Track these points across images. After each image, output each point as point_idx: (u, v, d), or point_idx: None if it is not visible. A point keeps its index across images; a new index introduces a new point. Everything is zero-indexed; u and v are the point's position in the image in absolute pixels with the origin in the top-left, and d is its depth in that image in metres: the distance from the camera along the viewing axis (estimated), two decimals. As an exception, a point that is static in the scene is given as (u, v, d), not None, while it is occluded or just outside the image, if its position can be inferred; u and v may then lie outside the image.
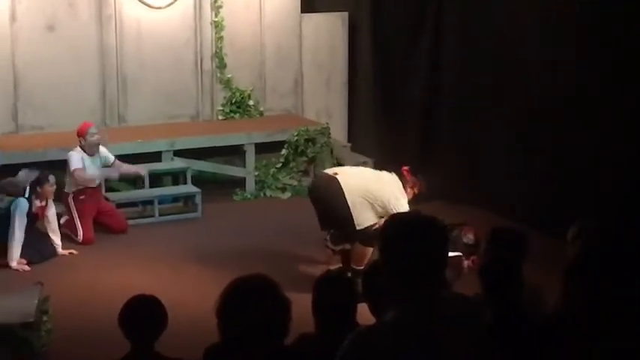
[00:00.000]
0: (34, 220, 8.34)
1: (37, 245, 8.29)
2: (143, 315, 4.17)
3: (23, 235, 8.09)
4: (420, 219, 2.82)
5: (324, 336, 4.12)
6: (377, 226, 7.15)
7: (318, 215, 7.46)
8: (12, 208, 8.11)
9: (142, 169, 9.51)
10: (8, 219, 8.05)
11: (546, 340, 3.27)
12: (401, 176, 7.45)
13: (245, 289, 3.25)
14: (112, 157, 9.22)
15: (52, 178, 8.37)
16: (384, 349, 2.64)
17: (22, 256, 8.10)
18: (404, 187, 7.40)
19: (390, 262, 2.79)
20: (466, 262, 7.44)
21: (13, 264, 8.02)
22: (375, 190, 7.21)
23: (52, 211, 8.50)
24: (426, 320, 2.71)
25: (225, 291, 3.24)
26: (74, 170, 8.79)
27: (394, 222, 2.88)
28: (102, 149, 9.12)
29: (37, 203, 8.30)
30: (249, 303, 3.15)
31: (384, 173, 7.54)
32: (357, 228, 7.14)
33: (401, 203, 7.21)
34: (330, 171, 7.70)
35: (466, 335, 2.76)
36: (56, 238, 8.51)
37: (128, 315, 4.19)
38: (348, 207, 7.10)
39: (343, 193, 7.13)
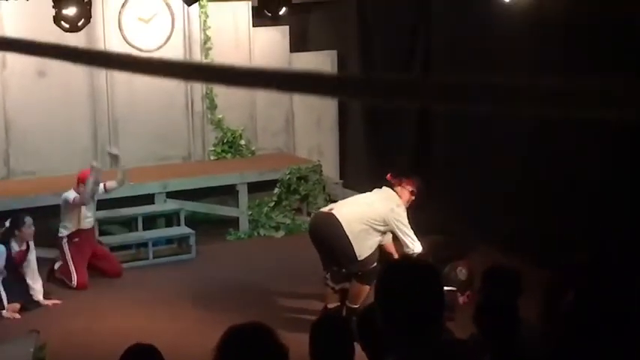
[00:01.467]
0: (15, 265, 8.20)
1: (25, 290, 8.23)
2: None
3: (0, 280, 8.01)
4: (416, 268, 2.84)
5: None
6: (375, 264, 7.17)
7: (320, 254, 7.48)
8: None
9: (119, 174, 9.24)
10: None
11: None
12: (390, 186, 7.50)
13: (240, 339, 3.23)
14: (102, 188, 9.10)
15: (28, 220, 8.25)
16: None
17: (15, 300, 8.04)
18: (397, 194, 7.43)
19: (386, 310, 2.80)
20: (461, 298, 7.44)
21: (4, 312, 7.95)
22: (371, 213, 7.25)
23: (33, 255, 8.35)
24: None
25: (221, 342, 3.23)
26: (74, 200, 8.72)
27: (390, 270, 2.90)
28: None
29: (16, 247, 8.21)
30: (246, 353, 3.14)
31: (375, 191, 7.59)
32: (359, 259, 7.15)
33: (397, 213, 7.27)
34: (325, 209, 7.74)
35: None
36: (37, 285, 8.34)
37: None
38: (349, 239, 7.13)
39: (342, 226, 7.16)
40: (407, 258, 2.60)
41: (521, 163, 9.15)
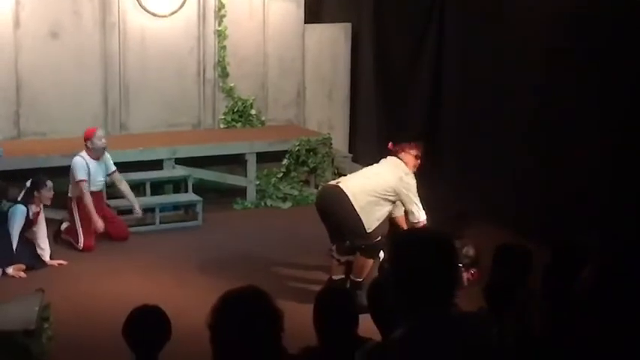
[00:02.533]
0: (30, 226, 8.29)
1: (32, 252, 8.29)
2: (147, 326, 4.16)
3: (17, 241, 8.07)
4: (431, 237, 2.82)
5: (326, 349, 4.13)
6: (380, 238, 7.16)
7: (326, 227, 7.46)
8: (9, 213, 8.09)
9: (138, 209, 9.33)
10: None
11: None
12: (393, 154, 7.49)
13: (235, 303, 3.23)
14: (112, 167, 9.19)
15: (49, 183, 8.29)
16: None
17: (20, 262, 8.09)
18: (403, 161, 7.42)
19: (399, 280, 2.79)
20: (465, 275, 7.45)
21: (9, 270, 8.01)
22: (380, 184, 7.23)
23: (42, 217, 8.41)
24: (436, 338, 2.70)
25: (216, 305, 3.23)
26: (79, 182, 8.78)
27: (405, 239, 2.88)
28: (107, 155, 9.11)
29: (33, 209, 8.25)
30: (240, 316, 3.14)
31: (381, 162, 7.58)
32: (368, 231, 7.14)
33: (406, 182, 7.25)
34: (332, 182, 7.72)
35: (475, 354, 2.76)
36: (45, 245, 8.41)
37: (132, 326, 4.17)
38: (356, 212, 7.11)
39: (349, 199, 7.14)
40: (422, 229, 2.58)
41: (531, 141, 9.12)
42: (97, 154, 8.96)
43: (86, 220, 8.86)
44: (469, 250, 7.65)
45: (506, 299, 3.99)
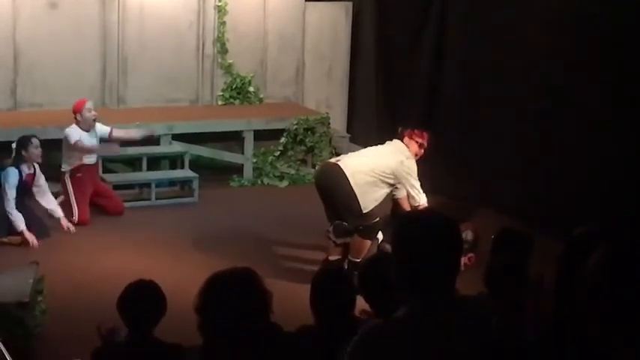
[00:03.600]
0: (25, 189, 8.21)
1: (34, 221, 8.23)
2: (142, 301, 4.14)
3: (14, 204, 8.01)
4: (435, 221, 2.78)
5: (322, 329, 4.12)
6: (378, 219, 7.12)
7: (324, 206, 7.42)
8: (1, 178, 8.02)
9: (137, 132, 9.37)
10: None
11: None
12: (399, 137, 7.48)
13: (220, 284, 3.19)
14: (107, 128, 9.10)
15: (34, 141, 8.19)
16: (396, 345, 2.61)
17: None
18: (406, 145, 7.40)
19: (400, 262, 2.76)
20: (463, 260, 7.41)
21: (27, 235, 7.95)
22: (380, 165, 7.19)
23: (42, 179, 8.36)
24: (436, 321, 2.68)
25: (202, 288, 3.19)
26: (75, 143, 8.71)
27: (408, 221, 2.84)
28: (97, 125, 9.04)
29: (26, 170, 8.17)
30: (226, 297, 3.09)
31: (386, 144, 7.55)
32: (363, 211, 7.10)
33: (407, 166, 7.26)
34: (332, 160, 7.68)
35: (475, 338, 2.74)
36: (52, 205, 8.43)
37: (127, 301, 4.15)
38: (353, 191, 7.06)
39: (346, 177, 7.09)
40: (425, 211, 2.55)
41: (533, 126, 9.06)
42: (87, 126, 8.88)
43: (80, 193, 8.81)
44: (467, 235, 7.62)
45: (506, 284, 3.98)
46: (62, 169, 8.89)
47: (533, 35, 8.96)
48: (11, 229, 8.04)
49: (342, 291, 4.10)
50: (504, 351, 2.88)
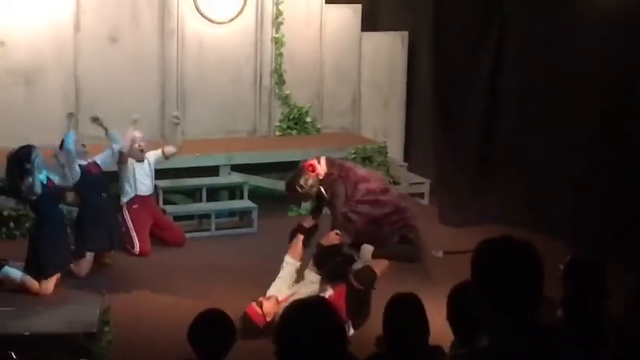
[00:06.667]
0: (96, 180, 8.23)
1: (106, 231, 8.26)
2: (214, 330, 4.15)
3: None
4: (515, 244, 2.75)
5: (394, 357, 4.07)
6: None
7: None
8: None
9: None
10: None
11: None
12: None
13: (299, 314, 3.16)
14: (158, 152, 9.16)
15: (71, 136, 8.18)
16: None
17: (91, 245, 8.06)
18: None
19: (483, 288, 2.72)
20: None
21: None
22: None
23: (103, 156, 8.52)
24: (521, 349, 2.63)
25: (280, 318, 3.17)
26: (123, 146, 8.74)
27: (488, 247, 2.81)
28: (150, 154, 9.10)
29: (83, 162, 8.21)
30: (302, 327, 3.07)
31: None
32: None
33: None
34: None
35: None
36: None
37: (198, 331, 4.16)
38: None
39: None
40: (507, 237, 2.52)
41: (587, 153, 8.98)
42: (136, 157, 8.96)
43: (139, 224, 8.88)
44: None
45: (586, 310, 3.91)
46: (120, 203, 8.97)
47: (593, 67, 8.91)
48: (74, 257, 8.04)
49: (415, 318, 4.05)
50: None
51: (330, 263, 7.02)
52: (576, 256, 4.66)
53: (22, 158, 7.39)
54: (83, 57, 10.34)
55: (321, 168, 7.22)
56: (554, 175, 9.47)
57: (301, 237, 7.34)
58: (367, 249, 7.10)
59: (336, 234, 6.98)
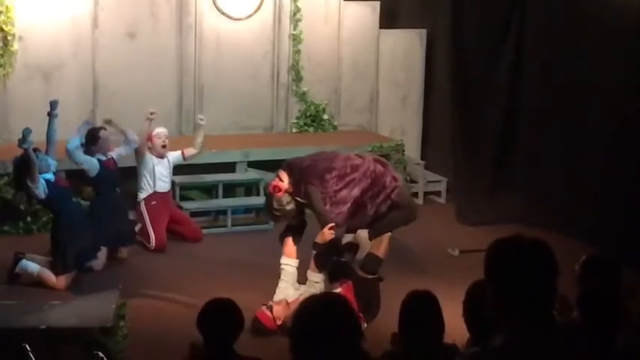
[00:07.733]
0: (113, 175, 8.32)
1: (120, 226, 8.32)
2: (221, 316, 4.23)
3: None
4: (529, 244, 2.74)
5: (409, 354, 4.05)
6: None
7: None
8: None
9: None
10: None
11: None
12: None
13: (314, 308, 3.16)
14: (178, 152, 9.22)
15: (103, 133, 8.32)
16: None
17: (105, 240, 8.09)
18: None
19: (498, 287, 2.71)
20: None
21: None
22: None
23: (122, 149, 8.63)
24: (536, 348, 2.62)
25: (295, 312, 3.16)
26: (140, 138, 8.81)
27: (499, 246, 2.79)
28: (170, 153, 9.16)
29: (102, 157, 8.29)
30: (318, 322, 3.06)
31: None
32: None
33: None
34: None
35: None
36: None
37: (206, 316, 4.24)
38: None
39: None
40: (520, 236, 2.50)
41: (606, 154, 8.92)
42: (157, 152, 9.04)
43: (156, 220, 8.91)
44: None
45: (601, 310, 3.89)
46: (137, 200, 9.00)
47: (614, 67, 8.84)
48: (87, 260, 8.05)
49: (431, 316, 4.03)
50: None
51: (330, 261, 7.05)
52: (592, 255, 4.64)
53: (21, 172, 7.47)
54: (101, 53, 10.37)
55: (285, 182, 7.14)
56: (572, 176, 9.42)
57: (290, 236, 7.33)
58: (363, 234, 7.20)
59: (329, 229, 6.96)
